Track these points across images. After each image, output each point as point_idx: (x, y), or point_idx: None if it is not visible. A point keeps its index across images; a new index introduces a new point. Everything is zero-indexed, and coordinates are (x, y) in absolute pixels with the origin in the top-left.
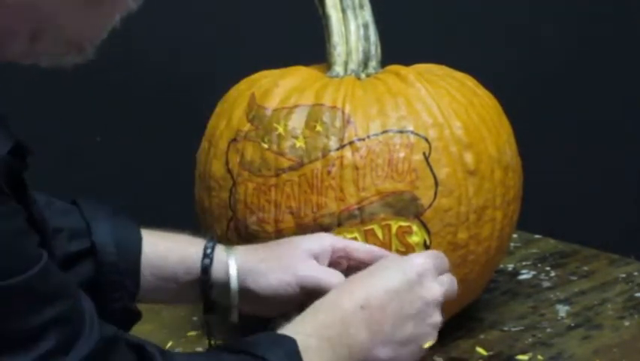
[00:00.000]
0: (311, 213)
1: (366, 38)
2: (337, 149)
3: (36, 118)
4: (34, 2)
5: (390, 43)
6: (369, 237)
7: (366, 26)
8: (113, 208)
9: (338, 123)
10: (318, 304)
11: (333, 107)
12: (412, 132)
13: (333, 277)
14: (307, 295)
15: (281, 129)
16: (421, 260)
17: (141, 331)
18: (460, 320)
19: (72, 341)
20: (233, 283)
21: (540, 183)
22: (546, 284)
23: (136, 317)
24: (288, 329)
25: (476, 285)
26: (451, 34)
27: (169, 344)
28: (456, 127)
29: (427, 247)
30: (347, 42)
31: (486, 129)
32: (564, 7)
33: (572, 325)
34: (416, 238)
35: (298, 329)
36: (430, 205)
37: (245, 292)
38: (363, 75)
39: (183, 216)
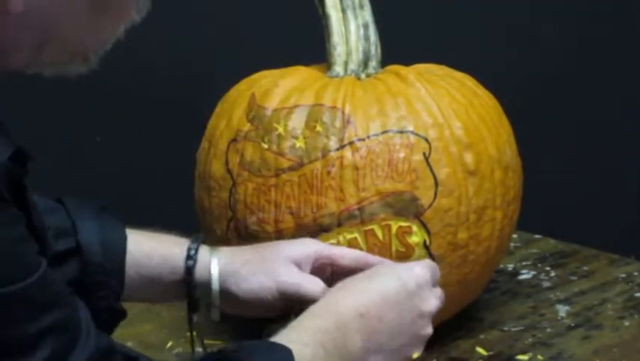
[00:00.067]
0: (311, 213)
1: (366, 38)
2: (337, 149)
3: (36, 118)
4: (40, 13)
5: (390, 44)
6: (369, 237)
7: (366, 26)
8: (98, 207)
9: (338, 123)
10: (315, 309)
11: (333, 108)
12: (412, 132)
13: (313, 284)
14: (287, 301)
15: (281, 129)
16: (421, 270)
17: (141, 331)
18: (460, 320)
19: (68, 350)
20: (215, 284)
21: (540, 183)
22: (546, 284)
23: (121, 315)
24: (283, 336)
25: (476, 285)
26: (451, 34)
27: (169, 344)
28: (456, 127)
29: (426, 247)
30: (347, 42)
31: (486, 129)
32: (564, 7)
33: (572, 325)
34: (416, 238)
35: (293, 336)
36: (430, 205)
37: (226, 294)
38: (363, 75)
39: (183, 216)
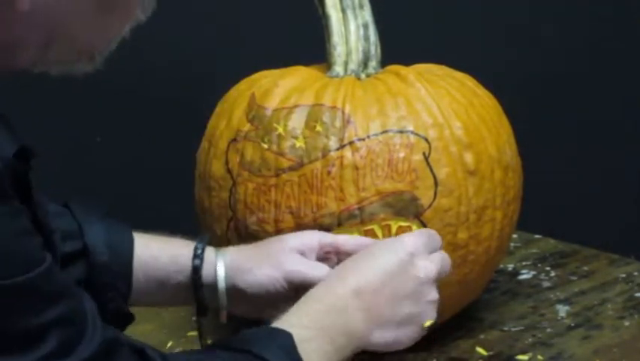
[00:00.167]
0: (311, 213)
1: (366, 38)
2: (337, 149)
3: (36, 118)
4: (46, 12)
5: (390, 43)
6: (369, 237)
7: (366, 26)
8: (103, 211)
9: (338, 123)
10: (312, 293)
11: (333, 107)
12: (412, 132)
13: (319, 271)
14: (295, 291)
15: (281, 129)
16: (411, 239)
17: (141, 331)
18: (460, 320)
19: (74, 343)
20: (221, 283)
21: (540, 183)
22: (546, 284)
23: (128, 319)
24: (283, 321)
25: (476, 285)
26: (451, 34)
27: (169, 344)
28: (456, 127)
29: None
30: (347, 42)
31: (486, 129)
32: (564, 7)
33: (572, 325)
34: None
35: (293, 321)
36: (430, 205)
37: (233, 291)
38: (363, 75)
39: (183, 216)
